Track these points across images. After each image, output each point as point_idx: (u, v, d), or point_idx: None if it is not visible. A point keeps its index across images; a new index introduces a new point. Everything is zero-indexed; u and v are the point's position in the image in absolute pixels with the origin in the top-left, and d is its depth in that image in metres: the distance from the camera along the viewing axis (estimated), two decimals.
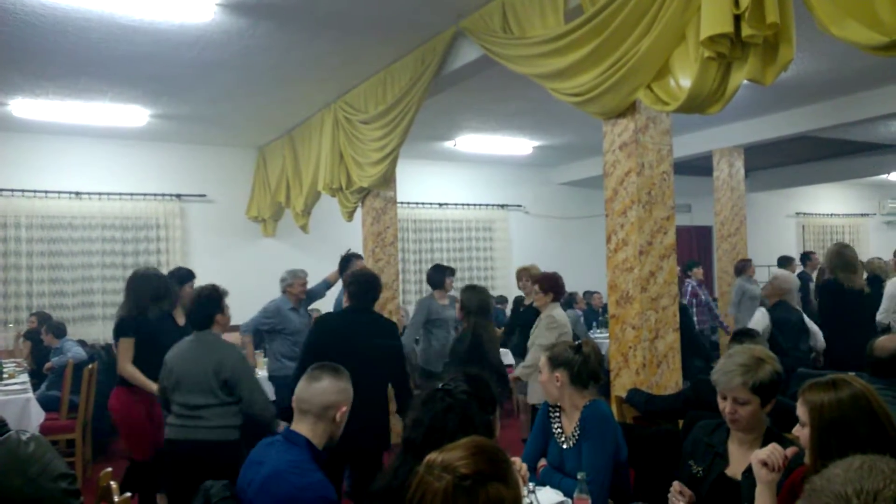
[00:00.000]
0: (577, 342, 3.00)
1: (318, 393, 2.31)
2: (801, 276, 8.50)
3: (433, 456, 1.34)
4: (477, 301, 4.73)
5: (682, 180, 5.51)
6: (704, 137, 8.43)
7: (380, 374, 3.69)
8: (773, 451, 1.94)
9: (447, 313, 5.59)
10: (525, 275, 6.29)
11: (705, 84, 3.05)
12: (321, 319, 4.10)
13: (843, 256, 5.10)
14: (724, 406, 2.28)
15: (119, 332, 4.22)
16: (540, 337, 4.91)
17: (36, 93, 6.10)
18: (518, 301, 9.47)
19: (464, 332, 4.74)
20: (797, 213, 13.13)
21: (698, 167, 9.36)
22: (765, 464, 1.93)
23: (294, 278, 5.60)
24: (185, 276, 5.00)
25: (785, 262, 8.29)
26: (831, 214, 13.55)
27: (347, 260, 5.63)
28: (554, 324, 4.89)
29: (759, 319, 5.12)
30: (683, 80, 3.16)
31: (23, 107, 6.42)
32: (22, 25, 4.51)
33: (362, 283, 3.92)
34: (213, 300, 3.66)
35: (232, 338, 6.96)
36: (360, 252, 6.69)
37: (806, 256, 8.87)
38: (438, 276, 5.76)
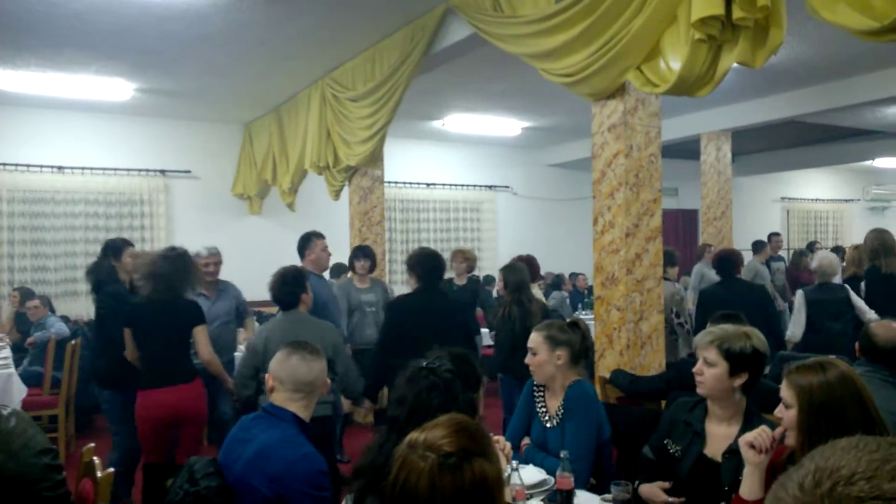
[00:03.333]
0: (567, 321, 3.01)
1: (319, 373, 2.35)
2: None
3: (415, 435, 1.34)
4: (513, 279, 4.74)
5: (669, 164, 5.53)
6: (692, 121, 8.44)
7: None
8: (760, 433, 1.96)
9: (363, 297, 5.43)
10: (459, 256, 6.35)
11: (695, 66, 3.05)
12: (395, 302, 4.25)
13: (884, 241, 5.17)
14: (696, 367, 2.35)
15: (198, 319, 3.89)
16: None
17: (17, 64, 5.98)
18: None
19: (504, 309, 4.80)
20: (782, 198, 13.23)
21: (686, 150, 9.39)
22: (752, 446, 1.95)
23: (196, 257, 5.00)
24: (119, 246, 4.49)
25: (758, 246, 8.31)
26: (816, 199, 13.67)
27: (307, 239, 5.12)
28: None
29: (798, 302, 5.26)
30: (673, 62, 3.16)
31: (4, 78, 6.29)
32: None
33: (429, 265, 4.10)
34: (299, 281, 3.73)
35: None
36: (346, 231, 6.67)
37: (767, 239, 8.94)
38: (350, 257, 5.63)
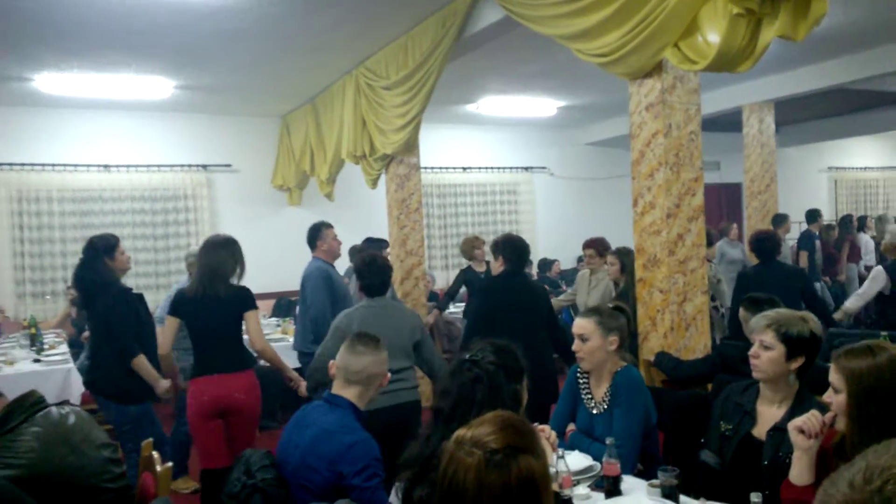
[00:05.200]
0: (611, 305, 2.98)
1: (368, 364, 2.43)
2: (806, 234, 8.35)
3: (462, 432, 1.36)
4: (630, 262, 4.80)
5: (710, 137, 5.40)
6: (733, 93, 8.23)
7: (540, 330, 4.02)
8: (810, 417, 1.94)
9: None
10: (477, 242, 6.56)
11: (734, 42, 2.97)
12: (490, 283, 4.28)
13: None
14: (751, 350, 2.34)
15: (248, 303, 3.76)
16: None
17: (61, 67, 6.14)
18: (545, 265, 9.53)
19: (623, 290, 4.90)
20: (829, 168, 12.84)
21: (727, 123, 9.16)
22: (802, 431, 1.93)
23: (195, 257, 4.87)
24: (112, 243, 4.13)
25: (778, 220, 7.97)
26: (865, 168, 13.22)
27: (317, 230, 5.11)
28: None
29: (876, 277, 5.19)
30: (711, 37, 3.08)
31: (49, 81, 6.48)
32: (44, 1, 4.52)
33: (517, 248, 4.18)
34: (389, 267, 3.79)
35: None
36: (385, 219, 6.71)
37: (813, 215, 8.67)
38: (374, 249, 5.48)
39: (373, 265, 3.69)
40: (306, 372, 3.70)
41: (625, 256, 4.82)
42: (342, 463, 2.22)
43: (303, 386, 3.81)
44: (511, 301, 4.02)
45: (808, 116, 10.70)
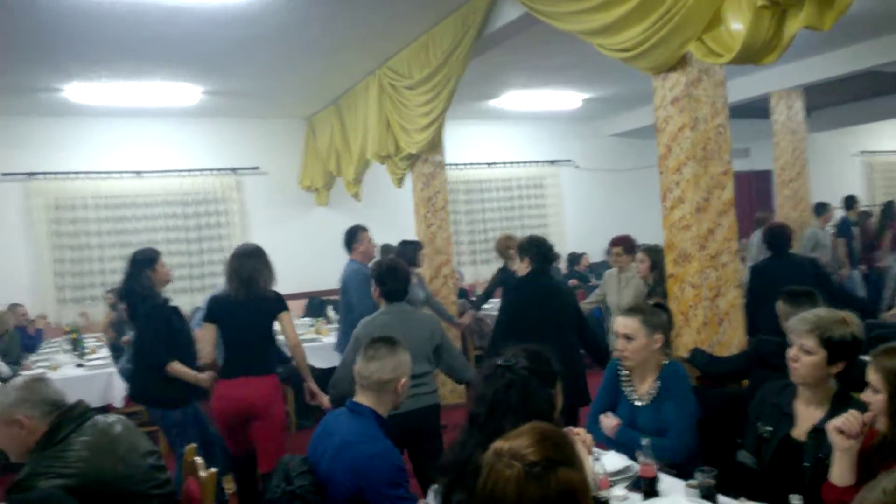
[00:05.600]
0: (652, 302, 2.99)
1: (375, 370, 2.42)
2: (843, 221, 8.19)
3: (500, 444, 1.38)
4: (661, 260, 4.75)
5: (738, 123, 5.32)
6: (760, 80, 8.09)
7: (568, 332, 4.03)
8: (849, 417, 1.92)
9: (420, 294, 5.41)
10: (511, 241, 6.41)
11: (759, 34, 2.94)
12: (516, 285, 4.34)
13: None
14: (790, 353, 2.27)
15: (280, 306, 3.93)
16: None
17: (90, 77, 6.26)
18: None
19: (653, 288, 4.89)
20: (862, 152, 12.55)
21: (756, 109, 9.01)
22: (841, 431, 1.91)
23: None
24: (152, 257, 4.18)
25: (820, 209, 7.84)
26: None
27: (354, 232, 5.29)
28: None
29: None
30: (736, 30, 3.05)
31: (78, 91, 6.61)
32: (71, 12, 4.61)
33: (541, 248, 4.21)
34: (408, 275, 3.80)
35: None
36: (412, 218, 6.75)
37: (849, 202, 8.49)
38: (411, 252, 5.54)
39: (396, 272, 3.69)
40: (329, 382, 3.75)
41: (655, 254, 4.78)
42: (365, 474, 2.22)
43: (325, 400, 3.84)
44: (539, 300, 4.02)
45: (838, 100, 10.47)
